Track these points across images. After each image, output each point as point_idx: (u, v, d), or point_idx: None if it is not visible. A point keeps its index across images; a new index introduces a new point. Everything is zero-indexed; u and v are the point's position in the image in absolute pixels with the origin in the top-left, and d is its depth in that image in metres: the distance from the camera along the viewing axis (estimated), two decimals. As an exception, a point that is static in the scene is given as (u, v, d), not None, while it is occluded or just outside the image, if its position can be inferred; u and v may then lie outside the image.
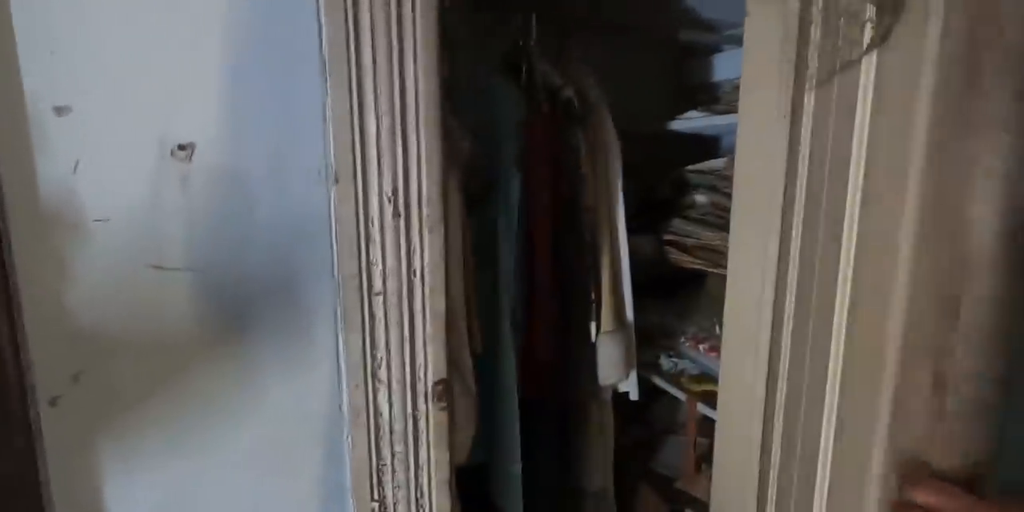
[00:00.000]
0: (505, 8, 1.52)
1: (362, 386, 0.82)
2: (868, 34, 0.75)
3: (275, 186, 0.73)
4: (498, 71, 1.36)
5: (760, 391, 1.27)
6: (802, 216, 1.08)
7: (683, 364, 1.82)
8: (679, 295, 1.98)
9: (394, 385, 0.84)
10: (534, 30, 1.51)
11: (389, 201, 0.79)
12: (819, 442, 0.87)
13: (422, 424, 0.87)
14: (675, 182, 1.93)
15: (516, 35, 1.47)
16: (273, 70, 0.72)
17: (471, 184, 1.32)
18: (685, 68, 2.06)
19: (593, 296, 1.38)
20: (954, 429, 0.62)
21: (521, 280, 1.31)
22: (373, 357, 0.82)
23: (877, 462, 0.71)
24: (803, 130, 1.07)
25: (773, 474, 1.18)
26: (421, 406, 0.87)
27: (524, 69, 1.38)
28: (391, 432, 0.85)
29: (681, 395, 1.68)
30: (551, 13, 1.70)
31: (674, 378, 1.77)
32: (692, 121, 1.67)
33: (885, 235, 0.73)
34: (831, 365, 0.89)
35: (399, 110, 0.77)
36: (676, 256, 1.66)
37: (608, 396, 1.60)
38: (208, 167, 0.70)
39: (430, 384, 0.86)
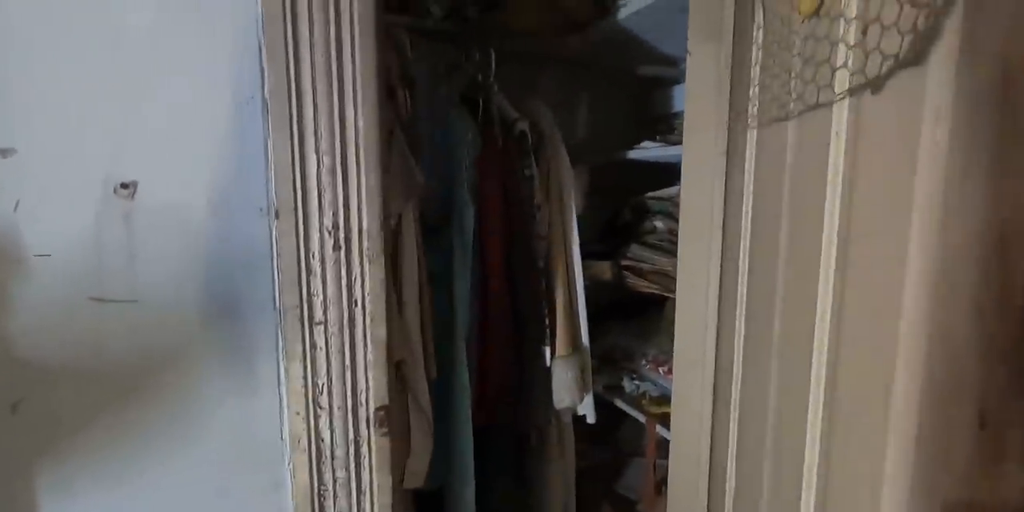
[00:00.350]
0: (467, 44, 1.59)
1: (303, 412, 0.85)
2: (842, 79, 0.75)
3: (218, 222, 0.77)
4: (457, 105, 1.42)
5: (707, 413, 1.31)
6: (748, 251, 1.13)
7: (644, 386, 1.85)
8: (641, 318, 2.03)
9: (335, 411, 0.87)
10: (493, 65, 1.58)
11: (330, 234, 0.83)
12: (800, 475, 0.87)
13: (364, 449, 0.90)
14: (636, 208, 1.99)
15: (476, 70, 1.54)
16: (218, 111, 0.76)
17: (429, 213, 1.37)
18: (647, 100, 2.14)
19: (547, 321, 1.41)
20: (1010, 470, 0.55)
21: (476, 306, 1.34)
22: (315, 384, 0.85)
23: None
24: (746, 165, 1.13)
25: (727, 500, 1.21)
26: (363, 432, 0.89)
27: (481, 103, 1.44)
28: (333, 458, 0.88)
29: (641, 417, 1.71)
30: (514, 49, 1.78)
31: (636, 400, 1.80)
32: (650, 151, 1.73)
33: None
34: (811, 393, 0.86)
35: (339, 149, 0.81)
36: (633, 281, 1.71)
37: (569, 419, 1.63)
38: (151, 204, 0.73)
39: (372, 410, 0.89)
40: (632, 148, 1.79)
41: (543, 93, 2.04)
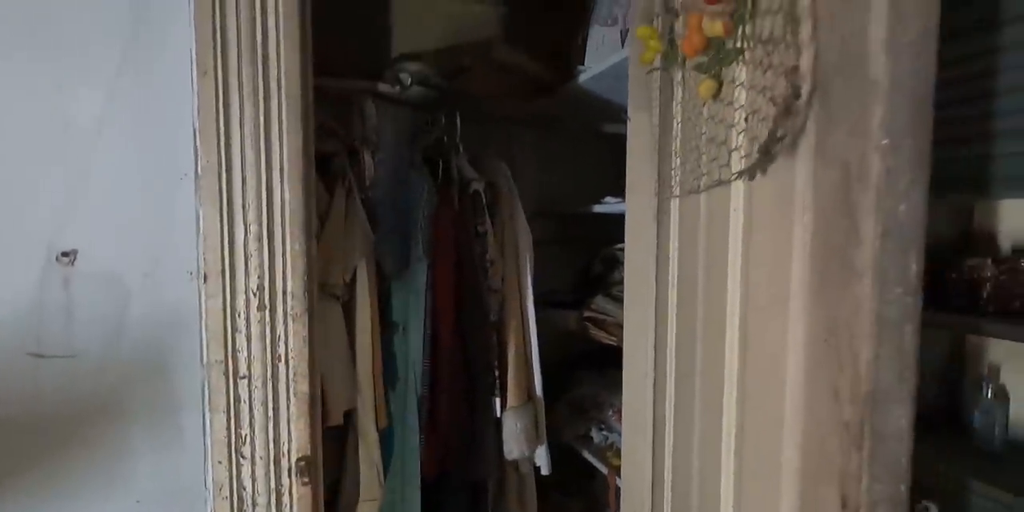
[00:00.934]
0: (434, 108, 1.70)
1: (225, 462, 0.91)
2: (736, 161, 0.81)
3: (151, 285, 0.86)
4: (418, 166, 1.51)
5: (648, 465, 1.34)
6: (675, 312, 1.18)
7: (612, 437, 1.87)
8: (612, 368, 2.05)
9: (258, 461, 0.93)
10: (458, 128, 1.69)
11: (255, 295, 0.91)
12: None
13: (286, 499, 0.95)
14: (606, 259, 2.06)
15: (442, 133, 1.64)
16: (155, 187, 0.85)
17: (391, 267, 1.45)
18: (612, 156, 2.22)
19: (498, 373, 1.46)
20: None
21: (428, 357, 1.40)
22: (238, 435, 0.91)
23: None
24: (670, 230, 1.19)
25: None
26: (285, 481, 0.95)
27: (442, 164, 1.53)
28: (254, 505, 0.93)
29: (604, 468, 1.72)
30: (483, 111, 1.89)
31: (602, 451, 1.81)
32: (613, 205, 1.80)
33: (769, 343, 0.75)
34: (723, 444, 0.91)
35: (266, 218, 0.90)
36: (595, 332, 1.75)
37: (528, 469, 1.65)
38: (89, 270, 0.82)
39: (293, 461, 0.95)
40: (597, 202, 1.86)
41: (513, 151, 2.15)
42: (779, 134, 0.64)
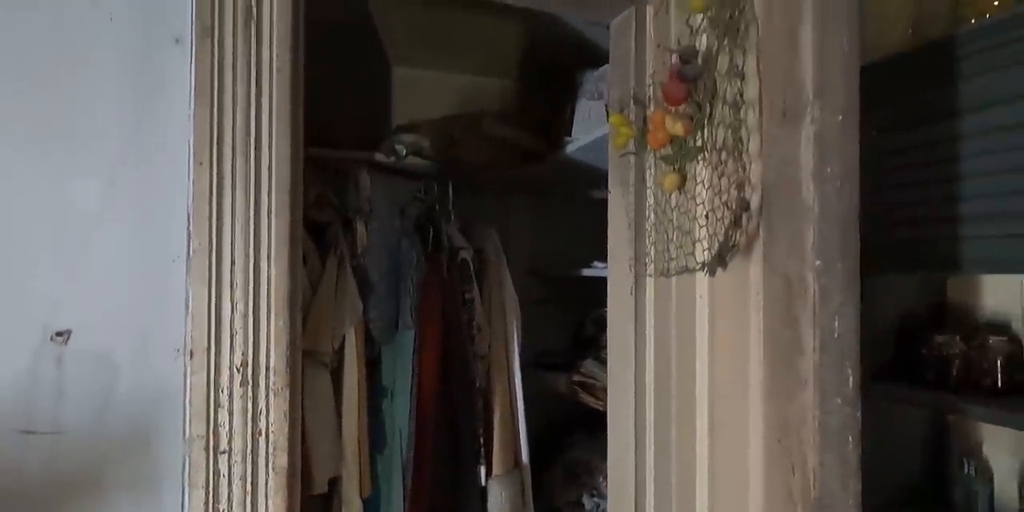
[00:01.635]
0: (428, 178, 1.78)
1: (201, 538, 0.92)
2: (700, 252, 0.84)
3: (139, 362, 0.89)
4: (409, 234, 1.57)
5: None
6: (653, 384, 1.20)
7: (603, 504, 1.84)
8: (604, 432, 2.04)
9: (233, 537, 0.94)
10: (450, 197, 1.76)
11: (238, 371, 0.94)
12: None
13: (260, 575, 0.95)
14: (597, 321, 2.08)
15: (434, 201, 1.71)
16: (148, 269, 0.91)
17: (382, 333, 1.48)
18: (601, 221, 2.28)
19: (483, 440, 1.47)
20: None
21: (414, 423, 1.41)
22: (216, 510, 0.93)
23: None
24: (646, 307, 1.23)
25: None
26: (260, 557, 0.95)
27: (432, 232, 1.59)
28: (228, 583, 0.93)
29: (593, 538, 1.69)
30: (478, 180, 1.97)
31: (593, 519, 1.78)
32: (600, 270, 1.85)
33: (734, 425, 0.78)
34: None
35: (252, 297, 0.95)
36: (584, 397, 1.76)
37: (516, 538, 1.63)
38: (81, 348, 0.86)
39: (269, 536, 0.96)
40: (587, 266, 1.91)
41: (507, 216, 2.22)
42: (731, 242, 0.69)
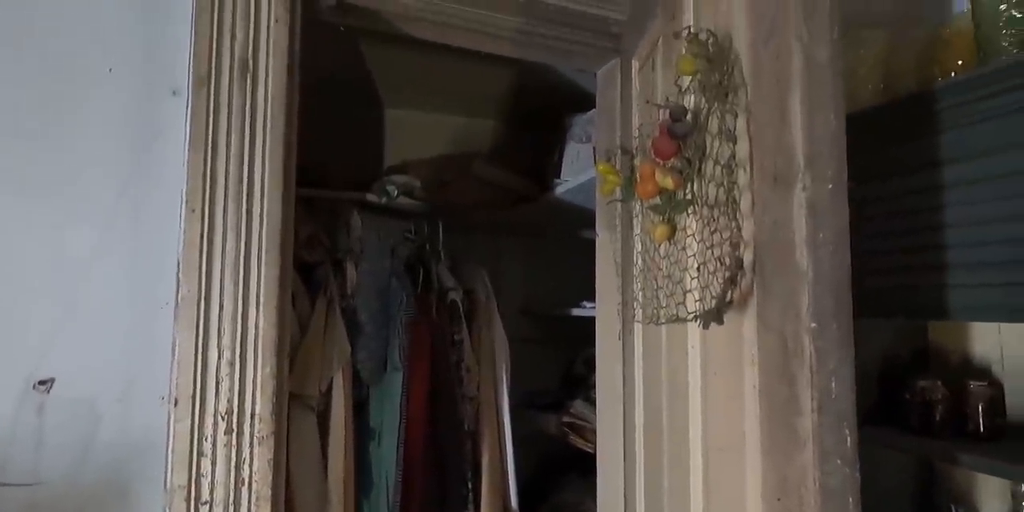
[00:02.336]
0: (418, 218, 1.80)
1: (179, 593, 0.90)
2: (692, 302, 0.84)
3: (122, 410, 0.89)
4: (399, 274, 1.58)
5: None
6: (643, 432, 1.20)
7: (594, 549, 1.80)
8: (595, 473, 2.02)
9: (213, 591, 0.91)
10: (440, 237, 1.78)
11: (223, 419, 0.94)
12: None
13: None
14: (587, 360, 2.08)
15: (424, 241, 1.73)
16: (136, 316, 0.91)
17: (364, 374, 1.48)
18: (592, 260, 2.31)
19: (472, 484, 1.45)
20: None
21: (400, 466, 1.40)
22: (195, 563, 0.91)
23: None
24: (634, 352, 1.23)
25: None
26: (239, 612, 0.93)
27: (422, 272, 1.60)
28: None
29: (583, 586, 1.65)
30: (470, 220, 2.00)
31: (583, 565, 1.75)
32: (589, 310, 1.86)
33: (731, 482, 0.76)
34: None
35: (239, 344, 0.95)
36: (573, 438, 1.74)
37: (504, 586, 1.59)
38: (64, 397, 0.86)
39: (250, 589, 0.93)
40: (576, 306, 1.92)
41: (499, 256, 2.24)
42: (727, 298, 0.69)
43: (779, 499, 0.62)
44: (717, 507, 0.80)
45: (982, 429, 1.04)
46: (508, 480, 1.51)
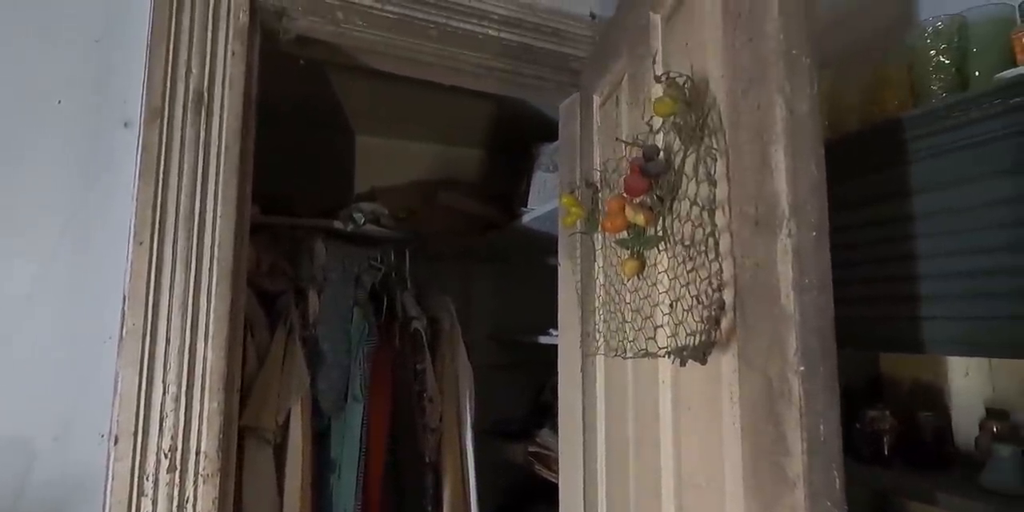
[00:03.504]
0: (384, 246, 1.80)
1: None
2: (663, 337, 0.83)
3: (59, 448, 0.86)
4: (362, 303, 1.57)
5: None
6: (604, 458, 1.19)
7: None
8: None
9: None
10: (407, 265, 1.77)
11: (166, 456, 0.91)
12: None
13: None
14: (555, 387, 2.07)
15: (389, 269, 1.73)
16: (77, 351, 0.89)
17: (324, 404, 1.45)
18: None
19: (432, 516, 1.43)
20: None
21: (359, 501, 1.37)
22: (132, 609, 0.88)
23: None
24: (595, 383, 1.23)
25: None
26: None
27: (386, 300, 1.60)
28: None
29: None
30: (436, 248, 2.00)
31: (549, 598, 1.71)
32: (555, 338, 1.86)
33: None
34: None
35: (186, 379, 0.93)
36: (539, 469, 1.73)
37: None
38: (-3, 436, 0.83)
39: None
40: (543, 333, 1.92)
41: (468, 283, 2.24)
42: (712, 338, 0.69)
43: None
44: None
45: (933, 458, 1.05)
46: (471, 508, 1.49)
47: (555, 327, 1.92)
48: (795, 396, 0.56)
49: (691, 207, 0.74)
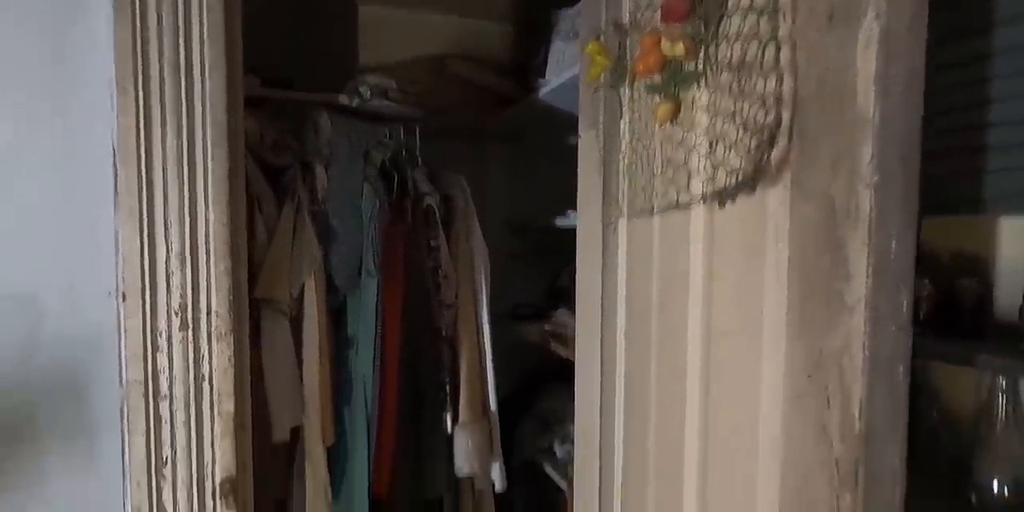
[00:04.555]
0: (392, 121, 1.70)
1: (144, 484, 0.89)
2: (697, 185, 0.78)
3: (68, 305, 0.85)
4: (372, 179, 1.51)
5: (596, 483, 1.32)
6: (624, 329, 1.17)
7: (574, 451, 1.85)
8: (578, 381, 2.04)
9: (179, 483, 0.91)
10: (417, 141, 1.68)
11: (177, 315, 0.90)
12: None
13: (209, 520, 0.94)
14: (573, 272, 2.05)
15: (399, 146, 1.64)
16: (73, 211, 0.85)
17: (339, 280, 1.44)
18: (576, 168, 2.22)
19: (448, 388, 1.45)
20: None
21: (377, 374, 1.39)
22: (159, 456, 0.90)
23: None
24: (617, 250, 1.18)
25: None
26: (208, 502, 0.93)
27: (397, 177, 1.53)
28: (176, 528, 0.92)
29: (562, 483, 1.71)
30: (448, 125, 1.89)
31: (563, 466, 1.80)
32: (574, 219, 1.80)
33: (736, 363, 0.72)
34: (684, 476, 0.85)
35: (189, 238, 0.90)
36: (555, 346, 1.74)
37: (486, 486, 1.63)
38: (2, 292, 0.81)
39: (218, 482, 0.93)
40: (559, 215, 1.86)
41: (482, 165, 2.15)
42: (762, 160, 0.61)
43: (809, 376, 0.57)
44: (721, 390, 0.76)
45: (969, 327, 1.01)
46: (487, 385, 1.51)
47: (574, 208, 1.87)
48: (864, 212, 0.49)
49: (745, 19, 0.63)
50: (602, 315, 1.26)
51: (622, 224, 1.17)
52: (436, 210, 1.48)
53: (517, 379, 2.22)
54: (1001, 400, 0.95)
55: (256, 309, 1.29)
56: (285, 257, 1.31)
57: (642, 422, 1.05)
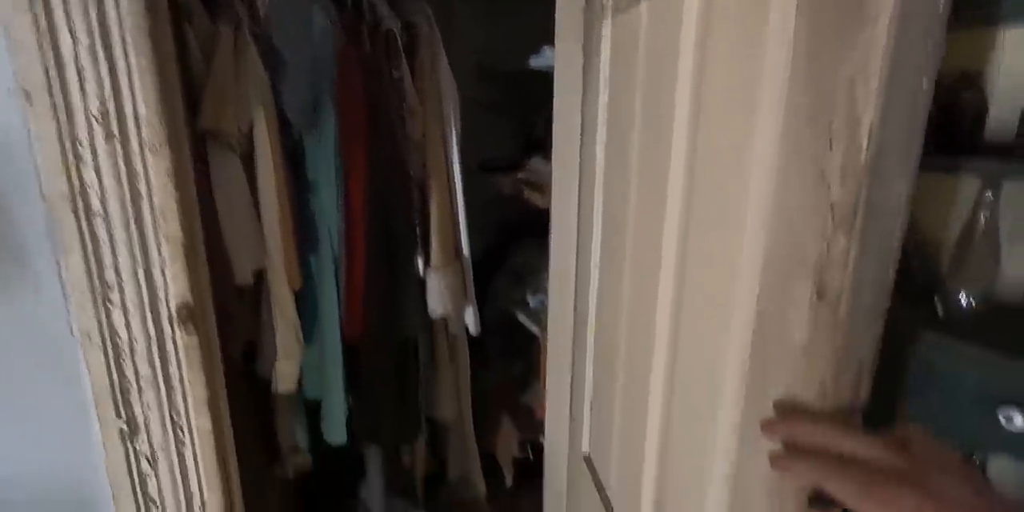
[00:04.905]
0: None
1: (91, 309, 0.83)
2: None
3: (-42, 104, 0.72)
4: (322, 1, 1.32)
5: (570, 324, 1.31)
6: (602, 153, 1.08)
7: (547, 301, 1.86)
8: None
9: (130, 308, 0.85)
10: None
11: (99, 122, 0.78)
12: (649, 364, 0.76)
13: (169, 346, 0.89)
14: (549, 121, 1.93)
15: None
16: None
17: (292, 115, 1.30)
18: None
19: (419, 231, 1.39)
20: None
21: (342, 215, 1.31)
22: (102, 280, 0.83)
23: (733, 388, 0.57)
24: (602, 63, 1.06)
25: (585, 403, 1.22)
26: (166, 329, 0.88)
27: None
28: (132, 353, 0.87)
29: (535, 329, 1.73)
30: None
31: (536, 315, 1.81)
32: (550, 59, 1.64)
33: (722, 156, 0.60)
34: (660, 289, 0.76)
35: (97, 28, 0.75)
36: (529, 194, 1.67)
37: (459, 330, 1.64)
38: None
39: (173, 308, 0.87)
40: (533, 54, 1.70)
41: (448, 7, 1.92)
42: None
43: (808, 124, 0.49)
44: (706, 158, 0.66)
45: (969, 139, 0.96)
46: (458, 227, 1.45)
47: (550, 45, 1.70)
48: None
49: None
50: (581, 147, 1.17)
51: (606, 28, 1.04)
52: (398, 36, 1.32)
53: (491, 237, 2.18)
54: (982, 214, 0.93)
55: (202, 142, 1.17)
56: (229, 84, 1.16)
57: (619, 256, 1.00)
